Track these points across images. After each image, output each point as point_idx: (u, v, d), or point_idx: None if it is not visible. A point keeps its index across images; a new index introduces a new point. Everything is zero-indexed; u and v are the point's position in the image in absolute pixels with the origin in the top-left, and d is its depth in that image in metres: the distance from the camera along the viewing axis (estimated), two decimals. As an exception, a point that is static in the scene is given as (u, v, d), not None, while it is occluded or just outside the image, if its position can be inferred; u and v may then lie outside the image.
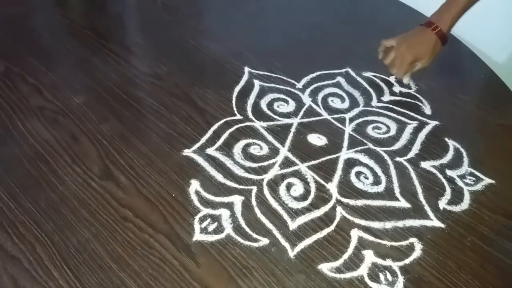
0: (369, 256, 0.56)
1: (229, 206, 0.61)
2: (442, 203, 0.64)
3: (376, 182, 0.66)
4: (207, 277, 0.53)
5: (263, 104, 0.78)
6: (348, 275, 0.54)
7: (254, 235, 0.57)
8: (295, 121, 0.75)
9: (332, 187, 0.64)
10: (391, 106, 0.80)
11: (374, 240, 0.58)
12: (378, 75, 0.87)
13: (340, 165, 0.68)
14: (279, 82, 0.83)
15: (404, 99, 0.82)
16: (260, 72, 0.85)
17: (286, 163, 0.67)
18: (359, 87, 0.84)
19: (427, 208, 0.63)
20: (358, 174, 0.67)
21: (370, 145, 0.72)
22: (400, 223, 0.60)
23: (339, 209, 0.61)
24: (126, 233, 0.57)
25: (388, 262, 0.56)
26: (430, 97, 0.82)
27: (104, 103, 0.75)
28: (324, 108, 0.78)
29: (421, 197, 0.64)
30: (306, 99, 0.80)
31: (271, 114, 0.76)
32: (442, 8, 0.76)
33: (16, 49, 0.87)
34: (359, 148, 0.71)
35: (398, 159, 0.70)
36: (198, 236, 0.57)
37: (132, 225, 0.58)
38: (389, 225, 0.60)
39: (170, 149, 0.68)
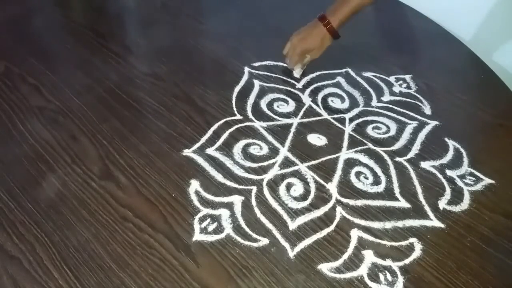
0: (369, 256, 0.56)
1: (229, 206, 0.61)
2: (442, 203, 0.63)
3: (376, 182, 0.66)
4: (207, 277, 0.53)
5: (263, 104, 0.78)
6: (348, 275, 0.54)
7: (254, 235, 0.57)
8: (295, 121, 0.75)
9: (332, 187, 0.64)
10: (391, 106, 0.80)
11: (374, 240, 0.58)
12: (378, 75, 0.87)
13: (340, 165, 0.68)
14: (279, 82, 0.83)
15: (404, 99, 0.82)
16: (260, 72, 0.85)
17: (286, 163, 0.67)
18: (359, 87, 0.84)
19: (427, 208, 0.63)
20: (358, 174, 0.67)
21: (370, 145, 0.71)
22: (400, 223, 0.60)
23: (339, 209, 0.61)
24: (126, 233, 0.57)
25: (388, 262, 0.56)
26: (430, 97, 0.82)
27: (104, 103, 0.75)
28: (324, 108, 0.78)
29: (421, 197, 0.64)
30: (306, 99, 0.80)
31: (271, 114, 0.76)
32: (337, 5, 0.78)
33: (16, 49, 0.87)
34: (359, 148, 0.71)
35: (398, 159, 0.70)
36: (198, 236, 0.57)
37: (132, 225, 0.58)
38: (389, 225, 0.60)
39: (170, 149, 0.68)
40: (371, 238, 0.58)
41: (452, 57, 0.96)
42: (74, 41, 0.91)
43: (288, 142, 0.71)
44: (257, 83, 0.82)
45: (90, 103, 0.75)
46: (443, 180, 0.67)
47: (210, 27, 0.99)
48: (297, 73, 0.84)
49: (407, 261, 0.56)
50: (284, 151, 0.69)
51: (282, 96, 0.80)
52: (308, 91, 0.81)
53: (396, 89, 0.84)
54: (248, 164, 0.67)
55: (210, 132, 0.71)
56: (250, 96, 0.79)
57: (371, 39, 0.94)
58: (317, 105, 0.79)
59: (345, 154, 0.70)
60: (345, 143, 0.72)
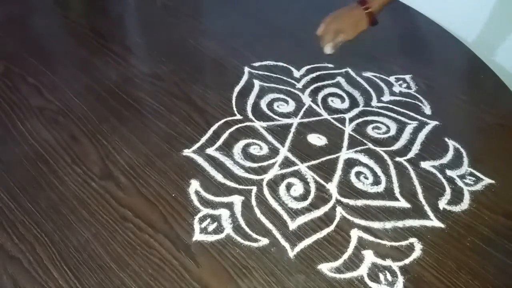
0: (369, 256, 0.56)
1: (229, 206, 0.61)
2: (442, 203, 0.63)
3: (376, 182, 0.66)
4: (207, 277, 0.53)
5: (263, 104, 0.78)
6: (348, 275, 0.54)
7: (254, 235, 0.57)
8: (295, 121, 0.75)
9: (332, 187, 0.64)
10: (391, 106, 0.80)
11: (374, 240, 0.58)
12: (378, 75, 0.87)
13: (340, 165, 0.68)
14: (279, 82, 0.83)
15: (404, 99, 0.82)
16: (260, 72, 0.85)
17: (286, 163, 0.67)
18: (359, 87, 0.84)
19: (427, 208, 0.63)
20: (358, 174, 0.67)
21: (370, 145, 0.71)
22: (400, 223, 0.60)
23: (339, 209, 0.61)
24: (126, 233, 0.57)
25: (388, 262, 0.56)
26: (430, 97, 0.82)
27: (104, 103, 0.75)
28: (324, 108, 0.78)
29: (421, 197, 0.64)
30: (306, 99, 0.80)
31: (271, 114, 0.76)
32: None
33: (16, 49, 0.87)
34: (359, 148, 0.71)
35: (398, 159, 0.70)
36: (198, 236, 0.57)
37: (132, 225, 0.58)
38: (389, 225, 0.60)
39: (170, 149, 0.68)
40: (371, 238, 0.58)
41: (452, 57, 0.96)
42: (74, 41, 0.91)
43: (288, 142, 0.71)
44: (257, 83, 0.82)
45: (90, 103, 0.75)
46: (443, 180, 0.67)
47: (210, 27, 0.99)
48: (327, 50, 0.83)
49: (407, 261, 0.56)
50: (284, 151, 0.69)
51: (282, 96, 0.80)
52: (308, 91, 0.81)
53: (396, 89, 0.84)
54: (248, 164, 0.67)
55: (210, 132, 0.71)
56: (250, 96, 0.79)
57: (371, 39, 0.94)
58: (317, 105, 0.79)
59: (345, 154, 0.70)
60: (345, 143, 0.72)
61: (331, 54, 0.83)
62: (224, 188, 0.63)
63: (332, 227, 0.59)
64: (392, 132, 0.75)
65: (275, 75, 0.84)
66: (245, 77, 0.83)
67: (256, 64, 0.87)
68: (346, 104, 0.79)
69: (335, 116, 0.77)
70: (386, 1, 0.79)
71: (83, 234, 0.56)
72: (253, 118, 0.75)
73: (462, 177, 0.68)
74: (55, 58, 0.87)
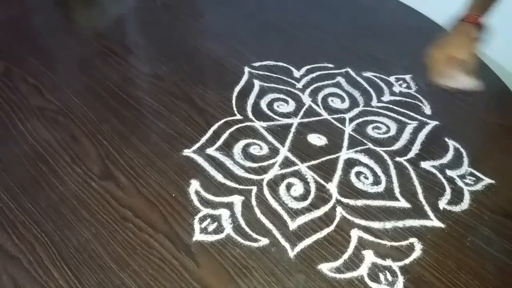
0: (369, 256, 0.56)
1: (229, 206, 0.61)
2: (442, 203, 0.63)
3: (376, 182, 0.66)
4: (207, 277, 0.53)
5: (263, 104, 0.78)
6: (348, 275, 0.54)
7: (254, 235, 0.57)
8: (295, 121, 0.75)
9: (332, 187, 0.64)
10: (391, 106, 0.80)
11: (374, 240, 0.58)
12: (378, 75, 0.87)
13: (340, 165, 0.68)
14: (279, 82, 0.83)
15: (404, 99, 0.82)
16: (260, 72, 0.85)
17: (286, 163, 0.67)
18: (359, 87, 0.84)
19: (427, 208, 0.63)
20: (358, 174, 0.67)
21: (370, 145, 0.71)
22: (400, 223, 0.60)
23: (339, 209, 0.61)
24: (126, 233, 0.57)
25: (388, 262, 0.56)
26: (430, 97, 0.82)
27: (104, 103, 0.75)
28: (324, 108, 0.78)
29: (421, 197, 0.64)
30: (306, 99, 0.80)
31: (271, 114, 0.76)
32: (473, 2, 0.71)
33: (16, 49, 0.87)
34: (359, 148, 0.71)
35: (398, 159, 0.70)
36: (198, 236, 0.57)
37: (132, 225, 0.58)
38: (389, 225, 0.60)
39: (170, 149, 0.68)
40: (371, 238, 0.58)
41: (452, 57, 0.96)
42: (74, 41, 0.91)
43: (288, 142, 0.71)
44: (257, 83, 0.82)
45: (90, 103, 0.75)
46: (443, 180, 0.67)
47: (210, 27, 0.99)
48: (445, 84, 0.69)
49: (407, 261, 0.56)
50: (284, 151, 0.69)
51: (282, 96, 0.80)
52: (308, 91, 0.81)
53: (396, 89, 0.84)
54: (248, 164, 0.67)
55: (210, 132, 0.71)
56: (250, 96, 0.79)
57: (371, 39, 0.94)
58: (317, 105, 0.79)
59: (345, 154, 0.70)
60: (345, 143, 0.72)
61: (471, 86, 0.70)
62: (224, 188, 0.63)
63: (332, 227, 0.59)
64: (392, 132, 0.75)
65: (275, 75, 0.84)
66: (245, 77, 0.83)
67: (256, 64, 0.87)
68: (346, 104, 0.79)
69: (335, 116, 0.77)
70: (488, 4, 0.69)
71: (83, 234, 0.56)
72: (253, 118, 0.75)
73: (462, 177, 0.68)
74: (55, 58, 0.87)
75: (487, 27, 0.72)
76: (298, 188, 0.64)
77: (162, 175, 0.64)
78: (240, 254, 0.55)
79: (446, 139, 0.74)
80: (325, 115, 0.77)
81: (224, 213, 0.60)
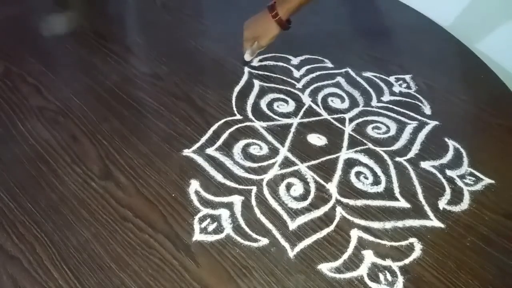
0: (369, 256, 0.56)
1: (229, 206, 0.61)
2: (442, 203, 0.63)
3: (376, 182, 0.66)
4: (207, 277, 0.53)
5: (263, 104, 0.78)
6: (348, 275, 0.54)
7: (254, 235, 0.57)
8: (295, 121, 0.75)
9: (332, 187, 0.64)
10: (391, 106, 0.80)
11: (374, 240, 0.58)
12: (378, 75, 0.87)
13: (340, 165, 0.68)
14: (279, 82, 0.83)
15: (404, 99, 0.82)
16: (260, 72, 0.85)
17: (286, 163, 0.67)
18: (359, 87, 0.84)
19: (427, 208, 0.63)
20: (358, 174, 0.67)
21: (370, 145, 0.71)
22: (400, 223, 0.60)
23: (338, 209, 0.61)
24: (126, 233, 0.57)
25: (387, 262, 0.56)
26: (430, 97, 0.82)
27: (104, 103, 0.75)
28: (324, 108, 0.78)
29: (421, 197, 0.64)
30: (306, 99, 0.80)
31: (271, 114, 0.76)
32: None
33: (16, 49, 0.87)
34: (359, 148, 0.71)
35: (398, 159, 0.70)
36: (197, 236, 0.57)
37: (132, 225, 0.58)
38: (388, 225, 0.60)
39: (170, 149, 0.68)
40: (371, 238, 0.58)
41: (452, 57, 0.96)
42: (74, 41, 0.91)
43: (288, 142, 0.71)
44: (257, 83, 0.82)
45: (90, 103, 0.75)
46: (443, 180, 0.67)
47: (210, 27, 0.99)
48: (246, 57, 0.85)
49: (407, 261, 0.56)
50: (284, 151, 0.69)
51: (282, 96, 0.80)
52: (308, 91, 0.81)
53: (396, 89, 0.84)
54: (248, 164, 0.67)
55: (210, 132, 0.71)
56: (250, 96, 0.79)
57: (371, 39, 0.94)
58: (317, 105, 0.79)
59: (345, 154, 0.70)
60: (345, 143, 0.72)
61: (250, 61, 0.85)
62: (224, 188, 0.63)
63: (332, 227, 0.59)
64: (392, 132, 0.75)
65: (275, 75, 0.84)
66: (245, 77, 0.83)
67: (256, 64, 0.87)
68: (346, 104, 0.79)
69: (335, 116, 0.77)
70: (298, 4, 0.76)
71: (83, 234, 0.56)
72: (253, 118, 0.75)
73: (462, 177, 0.68)
74: (55, 58, 0.87)
75: (289, 25, 0.79)
76: (298, 188, 0.64)
77: (162, 175, 0.64)
78: (240, 254, 0.55)
79: (446, 139, 0.74)
80: (325, 115, 0.77)
81: (224, 213, 0.60)
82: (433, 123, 0.77)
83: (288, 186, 0.64)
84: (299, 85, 0.83)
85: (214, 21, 1.02)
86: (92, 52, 0.87)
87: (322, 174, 0.66)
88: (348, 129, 0.74)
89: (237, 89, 0.80)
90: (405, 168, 0.68)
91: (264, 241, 0.57)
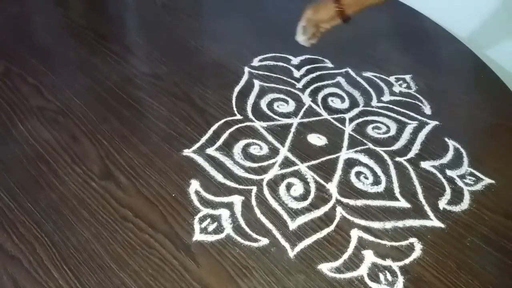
0: (369, 256, 0.56)
1: (229, 206, 0.61)
2: (442, 203, 0.63)
3: (376, 182, 0.66)
4: (207, 277, 0.53)
5: (263, 104, 0.78)
6: (348, 275, 0.54)
7: (254, 235, 0.57)
8: (295, 121, 0.75)
9: (332, 187, 0.64)
10: (391, 106, 0.80)
11: (374, 240, 0.58)
12: (378, 75, 0.87)
13: (340, 165, 0.68)
14: (279, 82, 0.83)
15: (404, 99, 0.82)
16: (260, 72, 0.85)
17: (286, 163, 0.67)
18: (359, 87, 0.84)
19: (427, 208, 0.63)
20: (358, 174, 0.67)
21: (370, 145, 0.71)
22: (400, 223, 0.60)
23: (339, 209, 0.61)
24: (126, 233, 0.57)
25: (388, 262, 0.56)
26: (430, 97, 0.82)
27: (104, 103, 0.75)
28: (324, 108, 0.78)
29: (421, 197, 0.64)
30: (306, 99, 0.80)
31: (271, 114, 0.76)
32: None
33: (16, 49, 0.87)
34: (359, 148, 0.71)
35: (398, 159, 0.70)
36: (198, 236, 0.57)
37: (132, 225, 0.58)
38: (389, 225, 0.60)
39: (170, 149, 0.68)
40: (371, 238, 0.58)
41: (452, 57, 0.96)
42: (74, 41, 0.91)
43: (288, 142, 0.71)
44: (257, 83, 0.82)
45: (90, 103, 0.75)
46: (443, 180, 0.67)
47: (210, 27, 0.99)
48: (301, 41, 0.85)
49: (407, 261, 0.56)
50: (284, 151, 0.69)
51: (282, 96, 0.80)
52: (308, 91, 0.81)
53: (396, 89, 0.84)
54: (248, 164, 0.67)
55: (210, 132, 0.71)
56: (250, 96, 0.79)
57: (371, 39, 0.94)
58: (317, 105, 0.79)
59: (345, 154, 0.70)
60: (345, 143, 0.72)
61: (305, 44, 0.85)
62: (224, 188, 0.63)
63: (332, 227, 0.59)
64: (392, 132, 0.75)
65: (275, 75, 0.84)
66: (245, 77, 0.83)
67: (256, 64, 0.87)
68: (346, 104, 0.79)
69: (335, 116, 0.77)
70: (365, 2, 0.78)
71: (83, 234, 0.56)
72: (253, 118, 0.75)
73: (462, 177, 0.68)
74: (55, 58, 0.87)
75: (350, 18, 0.80)
76: (298, 188, 0.64)
77: (162, 175, 0.64)
78: (240, 254, 0.55)
79: (446, 139, 0.74)
80: (325, 115, 0.77)
81: (224, 213, 0.60)
82: (433, 123, 0.77)
83: (288, 186, 0.64)
84: (299, 85, 0.83)
85: (214, 21, 1.02)
86: (92, 52, 0.87)
87: (322, 174, 0.66)
88: (348, 129, 0.74)
89: (237, 89, 0.80)
90: (405, 168, 0.68)
91: (264, 241, 0.57)
